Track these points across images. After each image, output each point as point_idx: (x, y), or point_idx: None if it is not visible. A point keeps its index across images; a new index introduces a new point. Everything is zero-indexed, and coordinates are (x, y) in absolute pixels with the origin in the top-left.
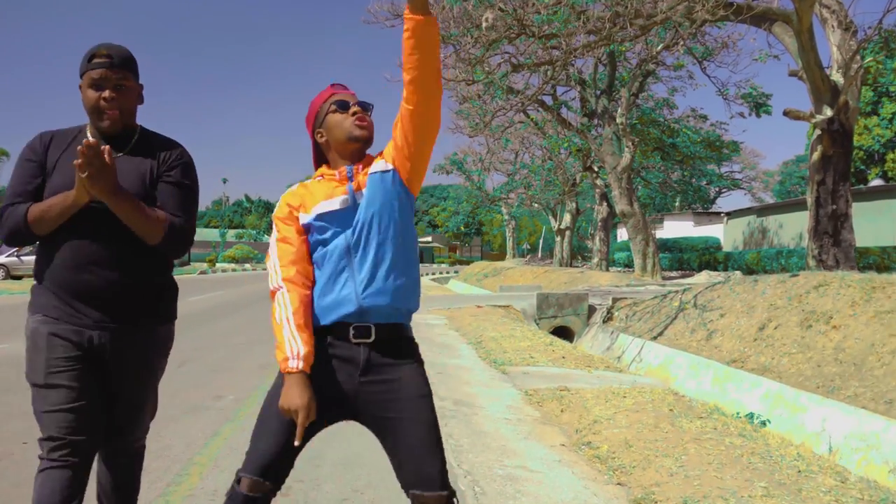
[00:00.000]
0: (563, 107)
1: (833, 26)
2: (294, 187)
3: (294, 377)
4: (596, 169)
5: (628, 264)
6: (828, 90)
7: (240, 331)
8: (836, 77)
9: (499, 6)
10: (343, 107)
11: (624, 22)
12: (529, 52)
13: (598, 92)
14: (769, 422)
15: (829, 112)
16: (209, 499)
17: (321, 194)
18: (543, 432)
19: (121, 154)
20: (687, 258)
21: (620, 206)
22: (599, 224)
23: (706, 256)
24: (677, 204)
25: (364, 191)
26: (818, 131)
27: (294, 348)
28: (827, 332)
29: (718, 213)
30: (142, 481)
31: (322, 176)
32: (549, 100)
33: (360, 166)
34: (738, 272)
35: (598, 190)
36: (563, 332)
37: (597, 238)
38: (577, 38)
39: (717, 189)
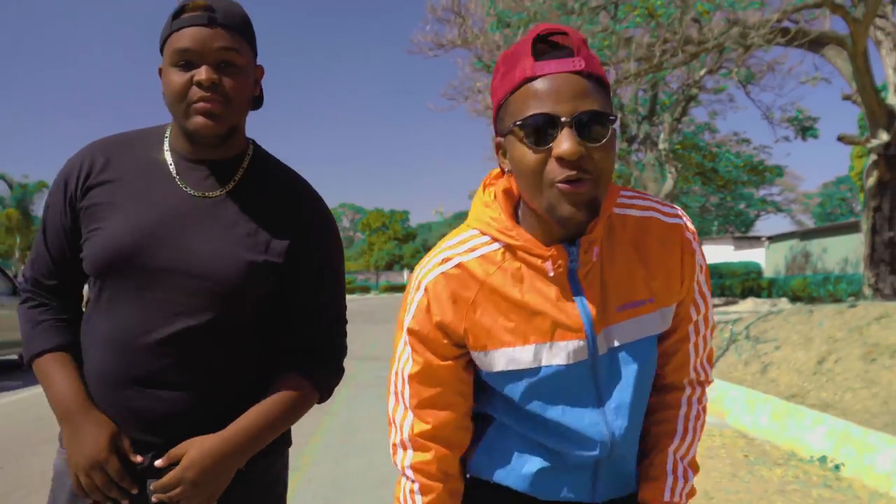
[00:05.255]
0: None
1: (888, 48)
2: (441, 264)
3: None
4: None
5: None
6: (884, 114)
7: None
8: (893, 100)
9: None
10: (538, 138)
11: (675, 49)
12: None
13: (640, 117)
14: (843, 465)
15: (885, 136)
16: None
17: (508, 309)
18: None
19: (220, 192)
20: (728, 284)
21: None
22: None
23: (749, 282)
24: (714, 228)
25: (613, 331)
26: (874, 156)
27: None
28: (892, 366)
29: (759, 238)
30: None
31: (508, 247)
32: None
33: (594, 246)
34: (783, 299)
35: None
36: None
37: None
38: (627, 66)
39: (755, 212)
